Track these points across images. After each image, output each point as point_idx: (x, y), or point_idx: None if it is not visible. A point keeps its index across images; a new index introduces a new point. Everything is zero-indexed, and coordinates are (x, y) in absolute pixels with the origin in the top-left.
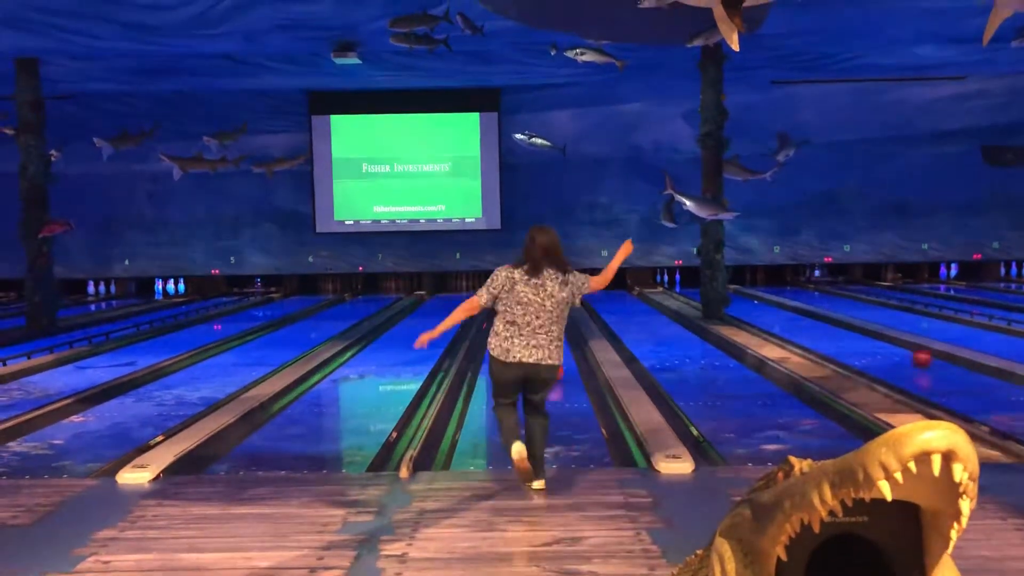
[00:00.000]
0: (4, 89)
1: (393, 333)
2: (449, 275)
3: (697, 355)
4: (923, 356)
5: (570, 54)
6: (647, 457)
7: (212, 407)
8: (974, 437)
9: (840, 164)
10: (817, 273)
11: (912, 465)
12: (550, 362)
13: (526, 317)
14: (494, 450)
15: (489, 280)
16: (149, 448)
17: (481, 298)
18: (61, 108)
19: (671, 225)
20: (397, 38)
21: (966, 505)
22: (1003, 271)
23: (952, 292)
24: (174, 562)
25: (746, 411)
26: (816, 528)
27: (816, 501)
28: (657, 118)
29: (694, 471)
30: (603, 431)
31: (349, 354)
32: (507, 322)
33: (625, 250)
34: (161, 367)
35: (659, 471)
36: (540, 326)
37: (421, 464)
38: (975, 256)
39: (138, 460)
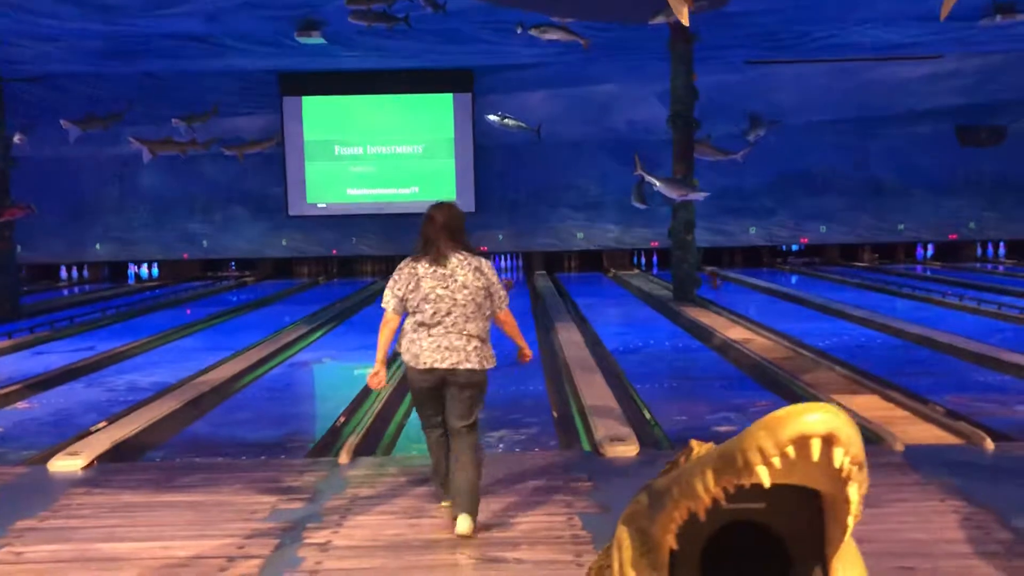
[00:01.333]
0: None
1: (362, 315)
2: None
3: (662, 337)
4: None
5: (534, 32)
6: (592, 440)
7: (161, 392)
8: (926, 418)
9: (816, 144)
10: (796, 248)
11: (790, 450)
12: (468, 366)
13: (436, 316)
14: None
15: (391, 280)
16: (89, 435)
17: (388, 305)
18: (29, 91)
19: (642, 206)
20: (355, 15)
21: (854, 491)
22: (979, 251)
23: (928, 272)
24: (89, 553)
25: (702, 393)
26: (702, 516)
27: (700, 489)
28: (632, 99)
29: (638, 454)
30: (554, 414)
31: (313, 338)
32: (416, 323)
33: (520, 353)
34: (119, 352)
35: (603, 454)
36: (453, 324)
37: (365, 450)
38: (951, 236)
39: (72, 447)
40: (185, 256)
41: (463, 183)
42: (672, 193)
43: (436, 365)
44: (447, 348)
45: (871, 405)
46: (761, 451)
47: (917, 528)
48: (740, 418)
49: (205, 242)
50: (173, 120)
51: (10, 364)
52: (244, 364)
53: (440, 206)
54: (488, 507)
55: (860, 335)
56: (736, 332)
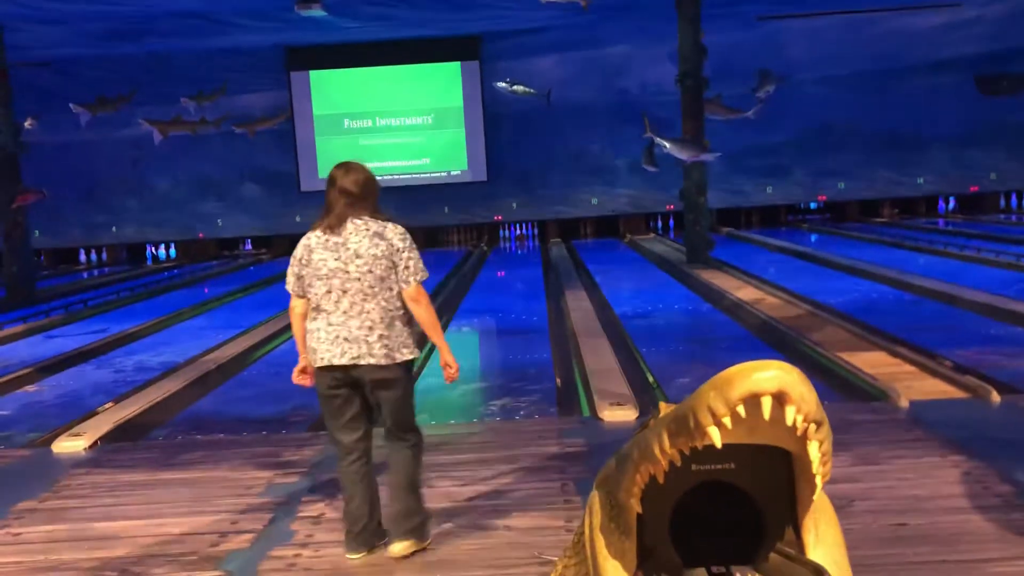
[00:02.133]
0: None
1: None
2: (439, 229)
3: (673, 300)
4: None
5: None
6: (592, 406)
7: (167, 372)
8: (933, 372)
9: (832, 100)
10: (814, 205)
11: (741, 409)
12: (371, 361)
13: (331, 295)
14: (439, 404)
15: (292, 256)
16: (94, 415)
17: (289, 287)
18: (38, 76)
19: (653, 169)
20: None
21: (814, 449)
22: (1002, 202)
23: (949, 226)
24: (85, 532)
25: (708, 355)
26: (660, 479)
27: (656, 451)
28: (643, 60)
29: (637, 419)
30: (557, 382)
31: None
32: (313, 308)
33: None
34: (130, 333)
35: (602, 419)
36: (351, 306)
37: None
38: (972, 188)
39: (76, 429)
40: (201, 236)
41: (474, 152)
42: (682, 154)
43: (334, 361)
44: (346, 339)
45: (878, 361)
46: (711, 411)
47: (915, 484)
48: None
49: (220, 221)
50: (182, 100)
51: (23, 348)
52: (252, 341)
53: (343, 166)
54: (482, 475)
55: (873, 291)
56: (747, 293)
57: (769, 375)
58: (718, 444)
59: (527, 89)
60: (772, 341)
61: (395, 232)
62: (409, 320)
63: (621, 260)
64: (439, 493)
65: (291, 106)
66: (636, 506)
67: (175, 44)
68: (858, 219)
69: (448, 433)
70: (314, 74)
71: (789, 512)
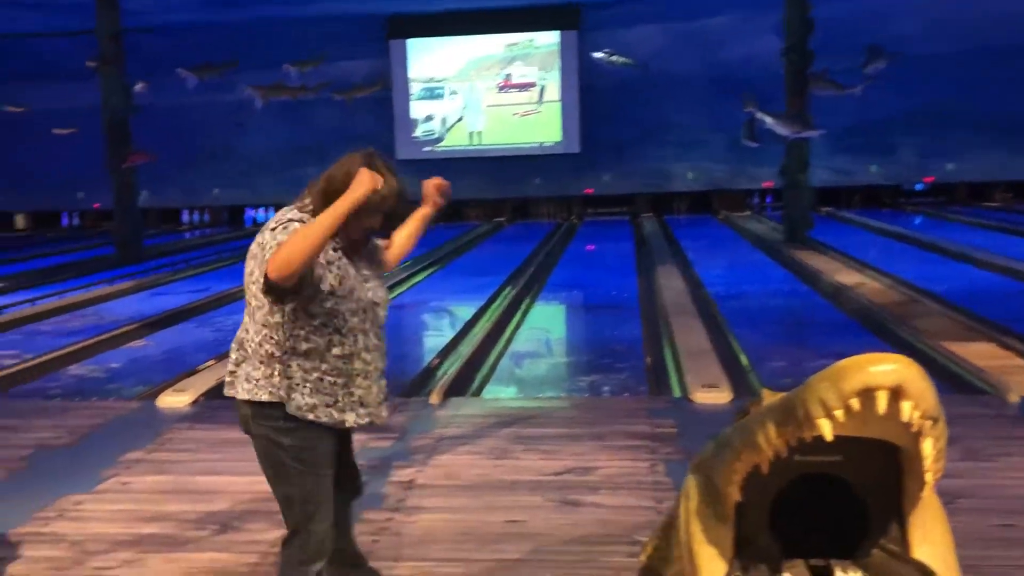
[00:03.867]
0: (87, 22)
1: (464, 260)
2: (530, 201)
3: (769, 281)
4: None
5: None
6: (684, 386)
7: None
8: None
9: (943, 76)
10: (920, 187)
11: (854, 402)
12: (230, 392)
13: None
14: (527, 376)
15: None
16: (196, 372)
17: None
18: (148, 41)
19: (753, 145)
20: None
21: (928, 446)
22: None
23: None
24: (188, 484)
25: (804, 339)
26: (764, 469)
27: (761, 441)
28: (746, 32)
29: (731, 401)
30: (647, 360)
31: (415, 280)
32: None
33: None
34: (231, 293)
35: (693, 401)
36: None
37: (455, 391)
38: None
39: (180, 384)
40: None
41: (568, 123)
42: (785, 130)
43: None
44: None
45: (986, 353)
46: (823, 403)
47: None
48: None
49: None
50: (284, 66)
51: (131, 304)
52: None
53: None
54: (571, 451)
55: (981, 279)
56: (848, 276)
57: (887, 368)
58: (829, 437)
59: (625, 60)
60: (872, 327)
61: (270, 226)
62: (271, 355)
63: (715, 237)
64: (525, 465)
65: (389, 73)
66: (736, 494)
67: (280, 11)
68: (967, 202)
69: (536, 406)
70: (412, 42)
71: (895, 508)
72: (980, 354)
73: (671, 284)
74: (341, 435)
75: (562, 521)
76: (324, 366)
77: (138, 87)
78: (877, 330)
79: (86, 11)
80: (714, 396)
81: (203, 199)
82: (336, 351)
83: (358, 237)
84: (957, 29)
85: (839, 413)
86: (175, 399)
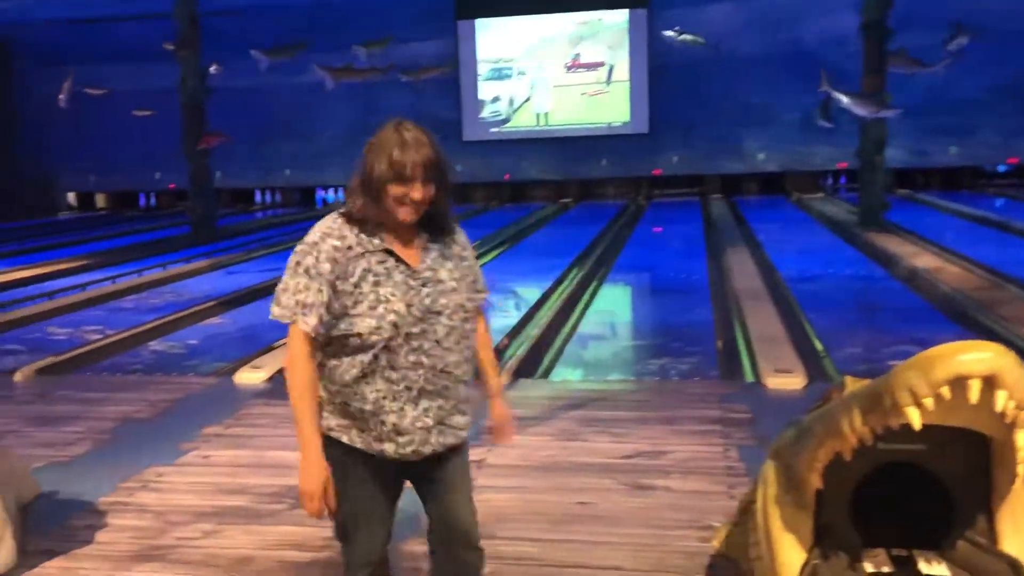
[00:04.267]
0: (164, 6)
1: (530, 241)
2: (596, 182)
3: (843, 264)
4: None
5: None
6: (756, 371)
7: None
8: None
9: None
10: (1002, 168)
11: (945, 391)
12: None
13: None
14: (596, 359)
15: None
16: (271, 350)
17: None
18: (222, 23)
19: (828, 125)
20: None
21: (1022, 437)
22: None
23: None
24: (264, 459)
25: (882, 325)
26: (847, 456)
27: (845, 428)
28: (820, 9)
29: (805, 387)
30: (718, 343)
31: (481, 262)
32: None
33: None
34: None
35: (766, 386)
36: None
37: (524, 372)
38: None
39: (256, 362)
40: None
41: (637, 103)
42: (862, 110)
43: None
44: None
45: None
46: (912, 391)
47: None
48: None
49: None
50: (353, 47)
51: (207, 282)
52: None
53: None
54: (641, 434)
55: None
56: (926, 260)
57: (980, 356)
58: (917, 426)
59: (696, 38)
60: (952, 313)
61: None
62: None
63: (787, 219)
64: (596, 448)
65: (457, 55)
66: (817, 482)
67: None
68: None
69: (606, 389)
70: (480, 22)
71: (982, 499)
72: None
73: (742, 267)
74: (407, 468)
75: (633, 504)
76: (345, 389)
77: (212, 69)
78: (958, 317)
79: None
80: (787, 381)
81: (275, 180)
82: (354, 372)
83: (406, 220)
84: None
85: (928, 402)
86: (251, 376)
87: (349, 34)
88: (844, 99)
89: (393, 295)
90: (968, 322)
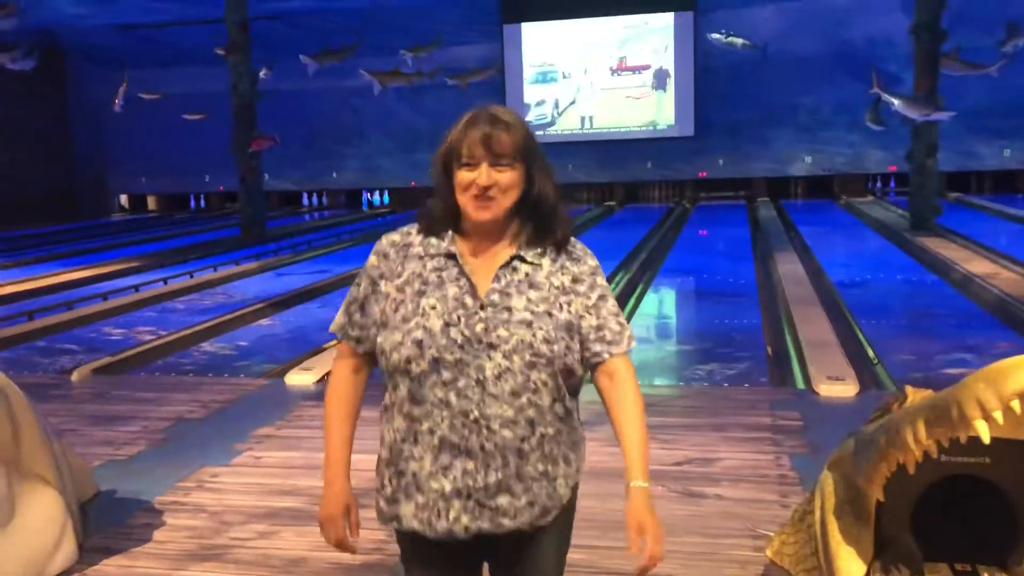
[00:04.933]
0: (215, 11)
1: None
2: (640, 185)
3: (894, 270)
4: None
5: None
6: (807, 378)
7: None
8: None
9: None
10: None
11: (1015, 404)
12: None
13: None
14: (643, 364)
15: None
16: (320, 352)
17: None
18: (271, 28)
19: (878, 127)
20: None
21: None
22: None
23: None
24: (316, 461)
25: (935, 332)
26: (911, 469)
27: (909, 440)
28: (872, 9)
29: (857, 395)
30: (768, 349)
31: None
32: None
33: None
34: (351, 275)
35: (818, 393)
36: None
37: None
38: None
39: (306, 363)
40: (413, 184)
41: (683, 105)
42: (913, 112)
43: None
44: None
45: None
46: (980, 404)
47: None
48: (977, 360)
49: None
50: (400, 52)
51: (256, 284)
52: None
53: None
54: (691, 441)
55: None
56: (979, 265)
57: None
58: (986, 439)
59: (743, 41)
60: (1009, 321)
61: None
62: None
63: (835, 223)
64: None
65: (503, 58)
66: (878, 494)
67: None
68: None
69: (653, 394)
70: (526, 26)
71: None
72: None
73: (790, 271)
74: (456, 552)
75: (684, 512)
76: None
77: (262, 73)
78: (1014, 324)
79: (215, 1)
80: (840, 389)
81: (322, 182)
82: (384, 403)
83: (477, 218)
84: None
85: (998, 415)
86: (302, 377)
87: (396, 38)
88: (895, 101)
89: (433, 308)
90: None
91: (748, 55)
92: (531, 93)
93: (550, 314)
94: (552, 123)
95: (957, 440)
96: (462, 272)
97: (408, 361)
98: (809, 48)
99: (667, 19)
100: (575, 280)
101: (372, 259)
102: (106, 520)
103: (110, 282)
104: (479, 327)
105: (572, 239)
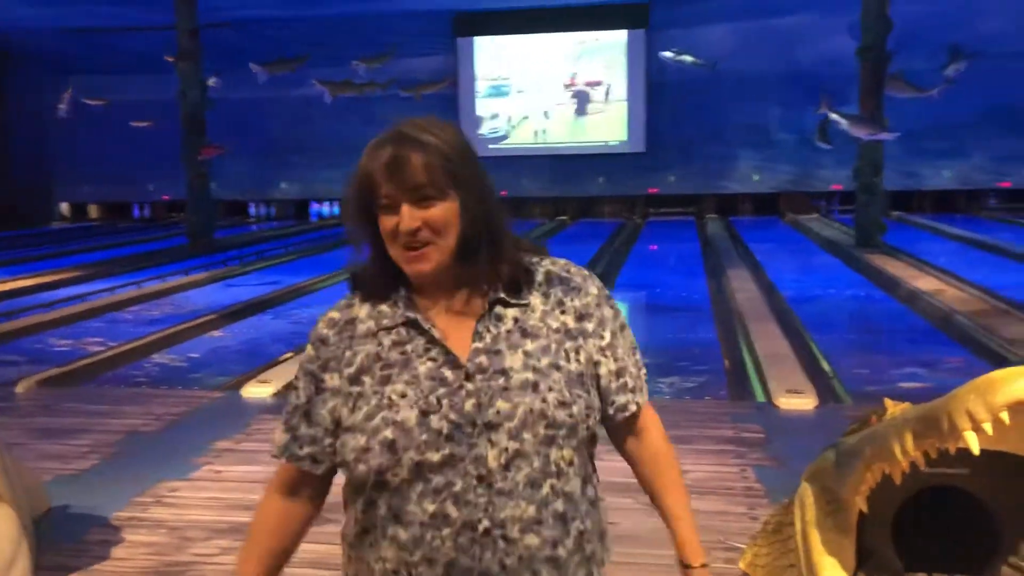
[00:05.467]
0: (166, 17)
1: None
2: (593, 199)
3: (843, 285)
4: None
5: None
6: (767, 391)
7: None
8: None
9: (1023, 77)
10: (992, 203)
11: (1005, 416)
12: None
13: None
14: None
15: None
16: (276, 364)
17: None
18: (221, 35)
19: (826, 146)
20: None
21: None
22: None
23: None
24: None
25: (887, 346)
26: (897, 480)
27: (897, 451)
28: (819, 31)
29: (816, 408)
30: (725, 363)
31: None
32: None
33: None
34: (303, 286)
35: (778, 406)
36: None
37: None
38: None
39: (263, 376)
40: None
41: (635, 122)
42: (860, 132)
43: None
44: None
45: None
46: (971, 415)
47: None
48: (930, 374)
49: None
50: (353, 62)
51: (206, 295)
52: None
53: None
54: None
55: None
56: (925, 282)
57: None
58: (976, 450)
59: (694, 59)
60: (957, 336)
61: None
62: None
63: (783, 240)
64: (615, 468)
65: (456, 71)
66: (861, 505)
67: (349, 7)
68: None
69: None
70: (479, 40)
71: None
72: None
73: (742, 286)
74: None
75: (653, 523)
76: (353, 553)
77: (211, 81)
78: (963, 340)
79: (165, 6)
80: (799, 402)
81: (270, 193)
82: (352, 527)
83: (415, 272)
84: None
85: (988, 426)
86: (259, 390)
87: (349, 48)
88: (843, 121)
89: (403, 396)
90: (975, 345)
91: (699, 73)
92: (484, 107)
93: (558, 367)
94: (505, 137)
95: (942, 452)
96: (432, 340)
97: (380, 472)
98: (758, 67)
99: (620, 36)
100: (581, 317)
101: (308, 350)
102: (60, 537)
103: (55, 291)
104: (469, 405)
105: (563, 262)
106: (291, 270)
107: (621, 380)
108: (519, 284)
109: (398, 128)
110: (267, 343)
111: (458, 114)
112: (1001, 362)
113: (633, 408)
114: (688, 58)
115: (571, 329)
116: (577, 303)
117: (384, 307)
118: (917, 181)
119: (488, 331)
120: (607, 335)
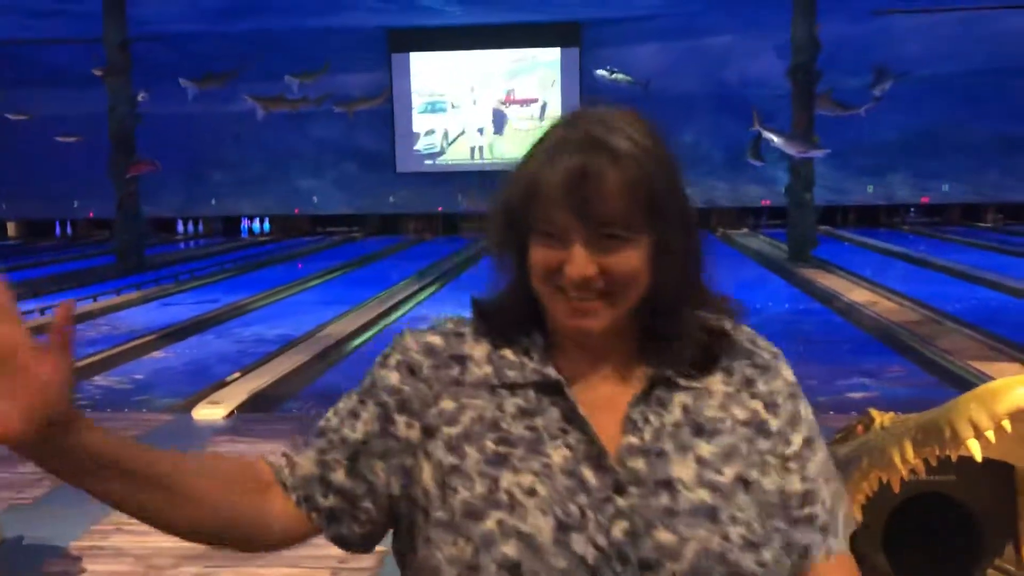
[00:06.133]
0: (94, 30)
1: (466, 276)
2: None
3: (781, 299)
4: None
5: None
6: None
7: (288, 345)
8: None
9: (942, 98)
10: (912, 213)
11: (1006, 424)
12: None
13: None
14: None
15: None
16: (225, 385)
17: None
18: (150, 49)
19: (758, 163)
20: None
21: None
22: None
23: None
24: None
25: (831, 357)
26: (896, 488)
27: (897, 459)
28: (746, 51)
29: None
30: None
31: (426, 293)
32: None
33: None
34: (242, 304)
35: None
36: None
37: None
38: None
39: (213, 396)
40: (296, 211)
41: None
42: (792, 149)
43: None
44: None
45: (1015, 373)
46: (973, 423)
47: None
48: (875, 383)
49: (315, 198)
50: (286, 77)
51: (142, 314)
52: (365, 319)
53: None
54: None
55: (992, 299)
56: (859, 294)
57: None
58: (979, 457)
59: (627, 78)
60: (895, 346)
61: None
62: None
63: (716, 254)
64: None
65: (391, 87)
66: (858, 514)
67: (282, 22)
68: (960, 223)
69: None
70: (414, 56)
71: (1009, 528)
72: (1010, 374)
73: None
74: None
75: None
76: None
77: (140, 96)
78: (901, 349)
79: (92, 19)
80: None
81: (200, 209)
82: None
83: (573, 328)
84: (958, 52)
85: (990, 434)
86: (210, 411)
87: (282, 64)
88: (775, 138)
89: (531, 494)
90: (914, 354)
91: (632, 91)
92: (420, 123)
93: (746, 482)
94: (442, 152)
95: (952, 459)
96: (570, 418)
97: None
98: (689, 86)
99: (554, 54)
100: (768, 406)
101: (385, 373)
102: (17, 569)
103: None
104: (619, 530)
105: (747, 329)
106: (228, 288)
107: (807, 511)
108: (704, 359)
109: (582, 124)
110: (212, 363)
111: (393, 130)
112: (942, 372)
113: (818, 555)
114: (622, 77)
115: (761, 423)
116: (764, 388)
117: (508, 353)
118: (842, 196)
119: (647, 421)
120: (796, 441)
